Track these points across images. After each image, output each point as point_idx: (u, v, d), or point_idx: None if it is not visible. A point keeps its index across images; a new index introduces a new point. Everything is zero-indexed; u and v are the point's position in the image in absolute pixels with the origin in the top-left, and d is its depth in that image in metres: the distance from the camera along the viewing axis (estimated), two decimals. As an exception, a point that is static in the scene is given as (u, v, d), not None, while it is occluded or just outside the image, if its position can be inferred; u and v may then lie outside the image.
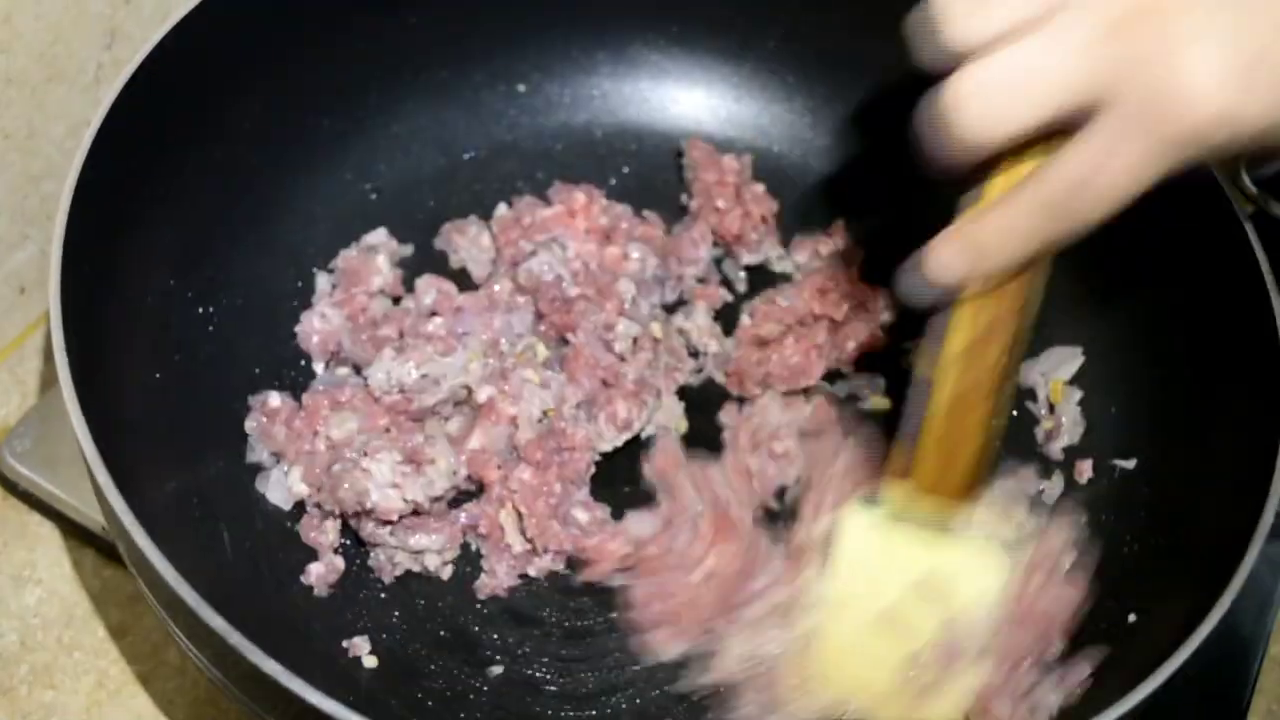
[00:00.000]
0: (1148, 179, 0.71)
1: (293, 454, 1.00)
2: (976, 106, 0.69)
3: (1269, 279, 0.97)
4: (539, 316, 1.08)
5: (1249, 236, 0.99)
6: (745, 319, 1.12)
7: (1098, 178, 0.71)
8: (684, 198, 1.19)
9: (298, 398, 1.04)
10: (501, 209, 1.16)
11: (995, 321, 0.81)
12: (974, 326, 0.81)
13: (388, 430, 0.99)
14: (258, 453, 1.01)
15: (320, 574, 0.96)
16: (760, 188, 1.18)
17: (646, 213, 1.17)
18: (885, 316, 1.13)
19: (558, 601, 0.99)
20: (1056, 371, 1.11)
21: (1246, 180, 1.25)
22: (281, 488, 0.99)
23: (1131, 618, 0.95)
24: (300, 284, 1.10)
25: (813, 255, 1.16)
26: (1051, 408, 1.09)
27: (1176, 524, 0.98)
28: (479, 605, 0.98)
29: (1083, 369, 1.10)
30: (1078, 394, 1.10)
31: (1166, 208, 1.04)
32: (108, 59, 1.11)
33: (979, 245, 0.77)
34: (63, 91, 1.08)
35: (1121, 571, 0.99)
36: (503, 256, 1.12)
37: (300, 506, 0.99)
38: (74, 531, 1.08)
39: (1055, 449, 1.08)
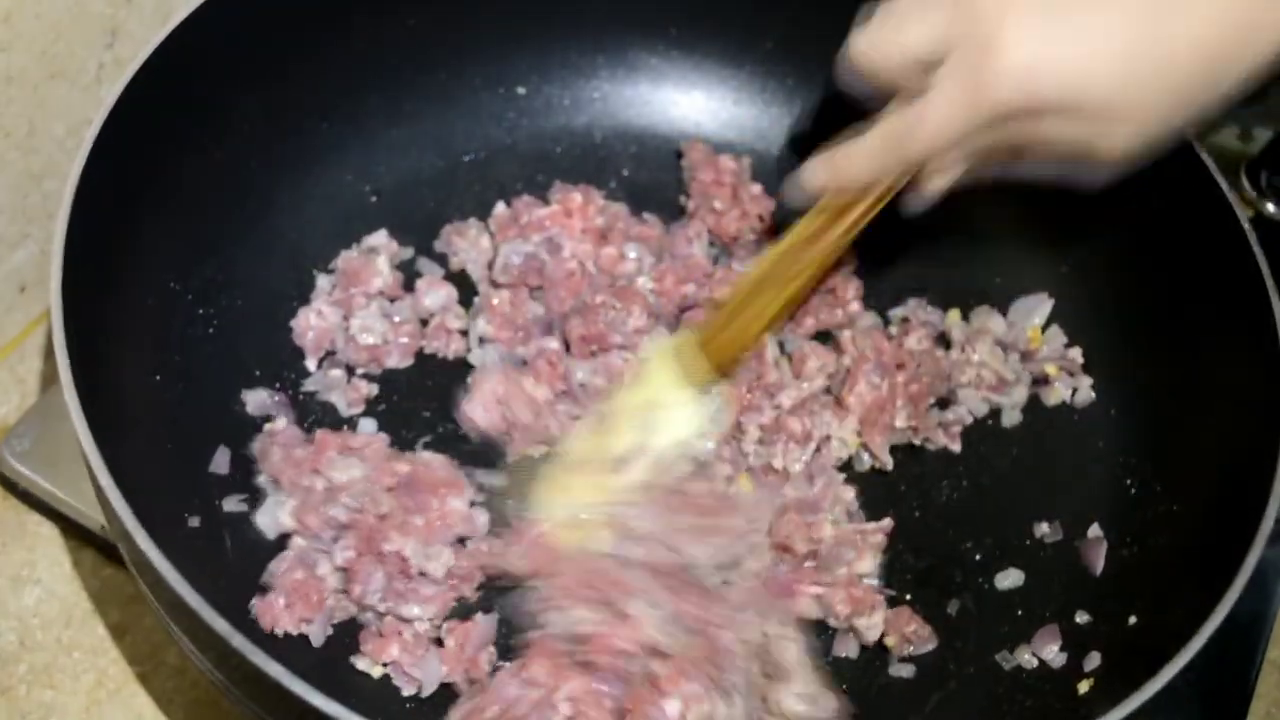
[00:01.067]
0: (957, 129, 0.86)
1: (288, 484, 0.99)
2: (863, 44, 0.91)
3: (1269, 281, 0.97)
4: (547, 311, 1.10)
5: (1249, 237, 0.99)
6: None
7: (921, 123, 0.87)
8: (683, 199, 1.19)
9: (298, 398, 1.05)
10: (499, 208, 1.16)
11: (823, 227, 0.99)
12: (807, 227, 0.99)
13: (390, 490, 0.98)
14: (219, 465, 0.99)
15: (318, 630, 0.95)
16: (758, 188, 1.18)
17: (646, 215, 1.17)
18: (854, 306, 1.13)
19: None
20: (1029, 319, 1.13)
21: (1246, 183, 1.26)
22: (272, 516, 0.97)
23: (1132, 620, 0.95)
24: (300, 285, 1.10)
25: None
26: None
27: (1177, 527, 0.98)
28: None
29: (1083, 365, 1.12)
30: (1061, 337, 1.12)
31: (1168, 210, 1.06)
32: (109, 58, 1.11)
33: (835, 164, 0.96)
34: (64, 90, 1.08)
35: (1122, 574, 1.00)
36: (499, 254, 1.13)
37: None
38: (74, 531, 1.08)
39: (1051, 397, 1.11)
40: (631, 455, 1.02)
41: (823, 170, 0.97)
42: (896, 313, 1.14)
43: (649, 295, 1.11)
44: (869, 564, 1.01)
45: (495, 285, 1.11)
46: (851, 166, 0.94)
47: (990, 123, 0.85)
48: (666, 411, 1.04)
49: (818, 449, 1.06)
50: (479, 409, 1.04)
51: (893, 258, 1.18)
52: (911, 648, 0.98)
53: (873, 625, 0.98)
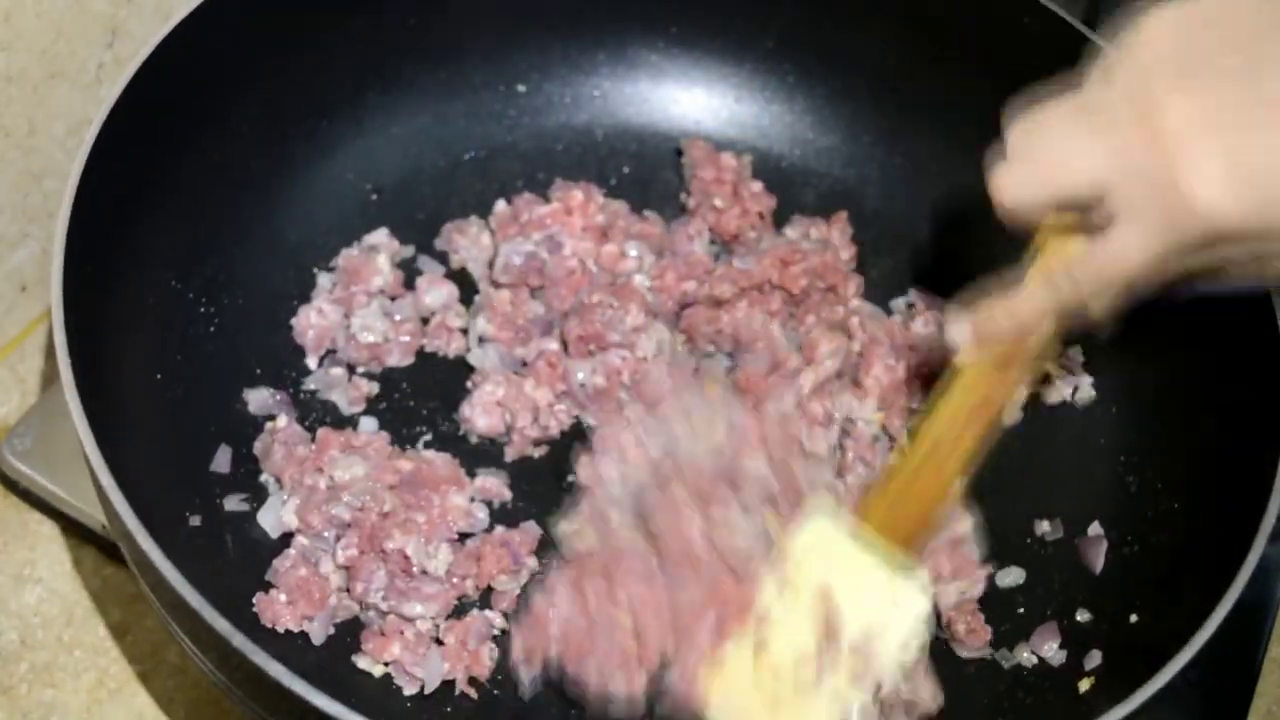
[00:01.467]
0: (1147, 266, 0.79)
1: (290, 483, 0.99)
2: (1008, 182, 0.83)
3: (1269, 279, 0.97)
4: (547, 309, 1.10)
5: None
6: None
7: (1107, 266, 0.80)
8: (683, 196, 1.19)
9: (299, 396, 1.05)
10: (500, 205, 1.16)
11: (987, 397, 0.89)
12: (967, 395, 0.89)
13: (392, 488, 0.98)
14: (221, 464, 1.00)
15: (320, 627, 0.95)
16: (758, 185, 1.18)
17: (647, 213, 1.17)
18: (855, 303, 1.13)
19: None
20: None
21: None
22: (274, 515, 0.97)
23: (1133, 618, 0.95)
24: (301, 284, 1.10)
25: (803, 235, 1.16)
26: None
27: (1178, 525, 0.98)
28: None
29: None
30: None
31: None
32: (109, 58, 1.11)
33: (993, 319, 0.87)
34: (64, 89, 1.08)
35: (1123, 572, 1.00)
36: (499, 254, 1.13)
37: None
38: (74, 530, 1.08)
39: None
40: (817, 658, 0.89)
41: (981, 325, 0.89)
42: (898, 303, 1.15)
43: (646, 293, 1.11)
44: (967, 524, 1.01)
45: (496, 285, 1.11)
46: (1019, 313, 0.87)
47: (1179, 255, 0.78)
48: (853, 596, 0.90)
49: (845, 431, 1.06)
50: (479, 412, 1.04)
51: (893, 255, 1.18)
52: (965, 648, 0.98)
53: (963, 589, 0.99)
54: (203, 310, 1.03)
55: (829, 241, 1.15)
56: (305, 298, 1.09)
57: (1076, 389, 1.10)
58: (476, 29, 1.17)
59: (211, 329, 1.03)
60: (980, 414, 0.90)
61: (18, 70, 1.03)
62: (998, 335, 0.87)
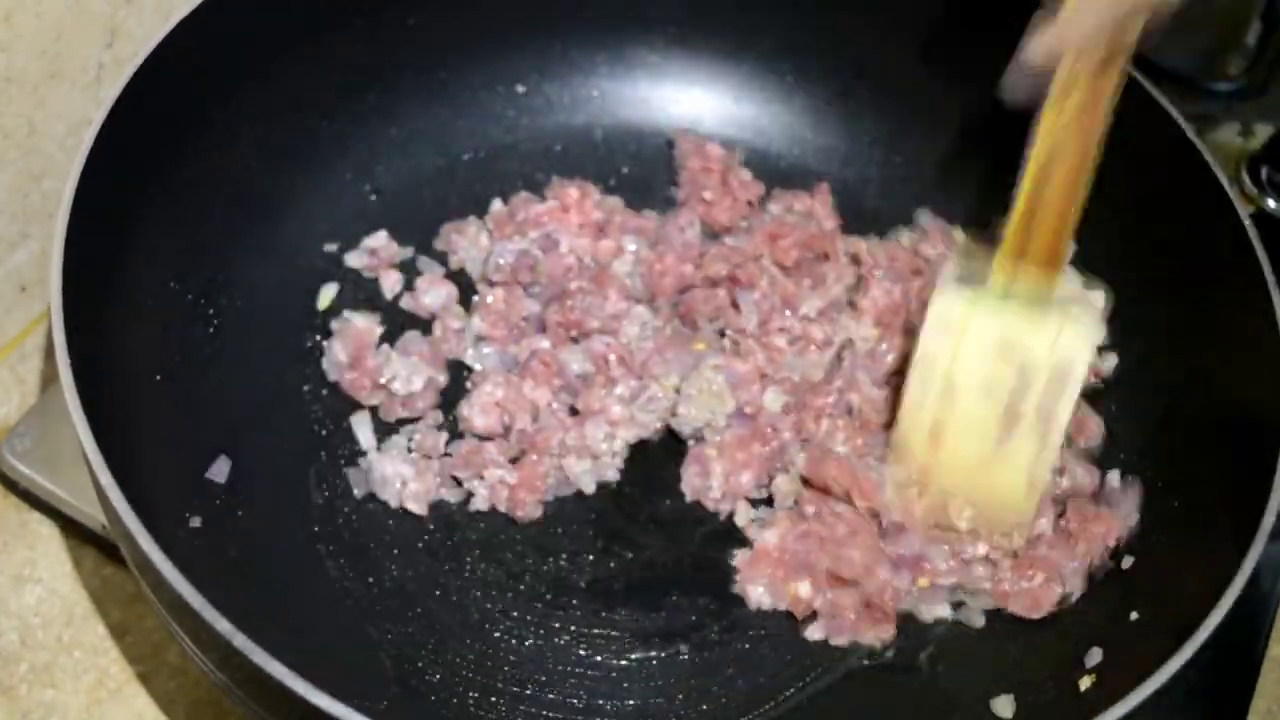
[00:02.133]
0: None
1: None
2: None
3: (1269, 277, 0.97)
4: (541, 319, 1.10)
5: (1249, 234, 0.99)
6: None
7: None
8: (673, 189, 1.19)
9: (298, 400, 1.05)
10: (496, 204, 1.16)
11: (1087, 100, 0.92)
12: (1066, 98, 0.92)
13: None
14: (218, 473, 0.99)
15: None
16: (747, 174, 1.18)
17: (645, 211, 1.17)
18: (848, 276, 1.13)
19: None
20: None
21: (1246, 179, 1.26)
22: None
23: (1133, 616, 0.95)
24: (300, 285, 1.10)
25: (786, 209, 1.17)
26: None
27: (1178, 524, 0.98)
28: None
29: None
30: None
31: (1169, 207, 1.06)
32: (109, 58, 1.10)
33: (1060, 24, 0.91)
34: (64, 90, 1.08)
35: (1123, 571, 1.00)
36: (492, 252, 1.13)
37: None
38: (74, 530, 1.08)
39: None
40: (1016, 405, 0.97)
41: (1051, 36, 0.92)
42: (905, 232, 1.17)
43: (626, 279, 1.11)
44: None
45: (490, 284, 1.11)
46: (1082, 20, 0.90)
47: None
48: (1032, 339, 0.96)
49: (839, 356, 1.08)
50: (477, 412, 1.04)
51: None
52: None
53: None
54: (201, 311, 1.03)
55: (812, 214, 1.16)
56: (304, 298, 1.09)
57: (1077, 389, 1.10)
58: (476, 29, 1.17)
59: (210, 330, 1.03)
60: (1086, 118, 0.93)
61: (18, 70, 1.03)
62: (1059, 47, 0.91)
